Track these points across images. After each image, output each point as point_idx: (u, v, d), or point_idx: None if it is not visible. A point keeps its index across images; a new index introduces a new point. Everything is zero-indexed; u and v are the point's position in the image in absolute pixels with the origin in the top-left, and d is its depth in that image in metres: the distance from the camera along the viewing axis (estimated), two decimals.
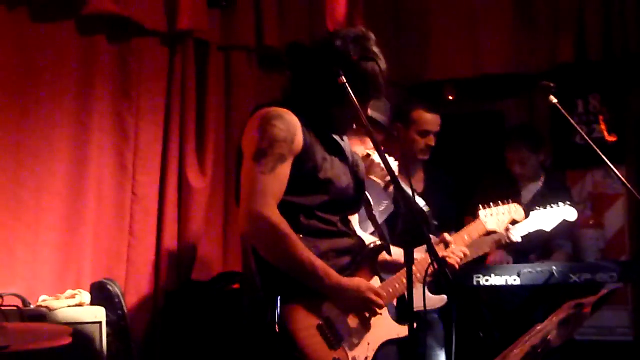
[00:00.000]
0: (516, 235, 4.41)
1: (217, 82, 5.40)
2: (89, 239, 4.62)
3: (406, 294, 3.11)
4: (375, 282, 3.44)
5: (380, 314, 3.33)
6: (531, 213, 4.68)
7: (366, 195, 3.66)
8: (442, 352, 5.14)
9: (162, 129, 5.05)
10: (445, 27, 7.07)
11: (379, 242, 3.54)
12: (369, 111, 3.95)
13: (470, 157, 7.24)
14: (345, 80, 3.13)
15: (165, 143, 5.06)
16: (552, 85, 4.22)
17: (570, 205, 4.79)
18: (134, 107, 4.88)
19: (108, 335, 4.31)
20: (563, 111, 4.19)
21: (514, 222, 4.35)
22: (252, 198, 3.11)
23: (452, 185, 5.68)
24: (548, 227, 4.72)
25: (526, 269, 5.20)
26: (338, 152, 3.41)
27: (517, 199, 4.82)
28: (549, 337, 2.06)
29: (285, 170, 3.18)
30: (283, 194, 3.17)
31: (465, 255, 3.81)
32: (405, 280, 3.47)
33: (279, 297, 3.08)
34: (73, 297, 4.11)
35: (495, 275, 5.22)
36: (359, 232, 3.64)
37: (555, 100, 4.21)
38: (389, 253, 3.61)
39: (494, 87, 7.09)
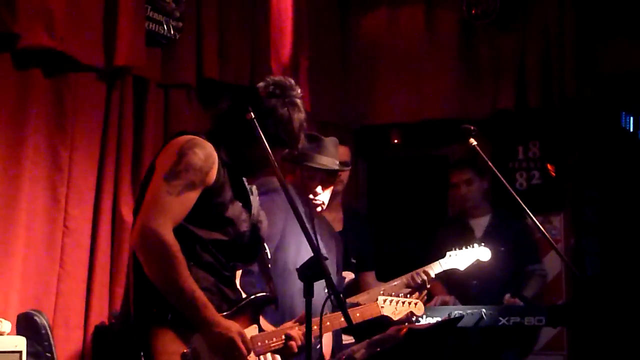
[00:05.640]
0: (426, 275, 4.56)
1: (155, 118, 5.46)
2: (17, 269, 4.62)
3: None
4: (253, 330, 3.43)
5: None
6: (447, 253, 4.81)
7: (263, 252, 3.67)
8: None
9: (97, 163, 5.08)
10: (391, 71, 7.20)
11: (266, 293, 3.54)
12: (322, 159, 4.16)
13: (414, 200, 7.35)
14: (253, 116, 3.20)
15: (100, 177, 5.08)
16: (472, 127, 4.32)
17: (484, 246, 4.91)
18: (69, 141, 4.91)
19: None
20: (482, 153, 4.30)
21: (412, 315, 4.41)
22: (150, 214, 3.12)
23: (369, 228, 5.75)
24: (462, 267, 4.85)
25: (456, 310, 5.28)
26: (244, 199, 3.44)
27: (473, 239, 4.97)
28: (355, 355, 2.14)
29: (191, 197, 3.21)
30: (182, 219, 3.19)
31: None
32: (283, 337, 3.49)
33: (148, 319, 3.11)
34: None
35: (427, 316, 5.27)
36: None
37: (474, 143, 4.30)
38: (277, 307, 3.63)
39: (438, 132, 7.20)
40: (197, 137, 3.32)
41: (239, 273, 3.62)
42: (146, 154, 5.32)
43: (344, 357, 2.24)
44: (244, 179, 3.49)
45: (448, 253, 4.79)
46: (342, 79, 7.29)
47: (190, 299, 3.12)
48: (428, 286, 4.61)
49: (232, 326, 3.23)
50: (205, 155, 3.25)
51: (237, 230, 3.36)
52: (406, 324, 4.23)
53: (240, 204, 3.40)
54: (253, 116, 3.20)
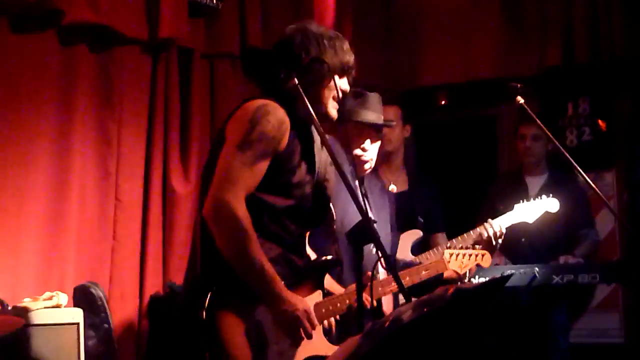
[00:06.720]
0: (497, 227, 4.50)
1: (201, 89, 5.49)
2: (71, 243, 4.72)
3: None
4: (318, 296, 3.40)
5: (308, 338, 3.25)
6: (515, 206, 4.74)
7: (330, 212, 3.63)
8: None
9: (146, 135, 5.15)
10: (436, 32, 7.14)
11: (330, 257, 3.52)
12: (368, 114, 4.11)
13: (462, 161, 7.31)
14: (297, 82, 3.18)
15: (149, 149, 5.16)
16: (518, 85, 4.26)
17: (552, 197, 4.85)
18: (117, 115, 4.98)
19: (90, 338, 4.40)
20: (529, 111, 4.24)
21: (478, 267, 4.40)
22: (224, 185, 3.10)
23: (436, 189, 5.68)
24: (531, 219, 4.76)
25: (509, 270, 5.25)
26: (309, 158, 3.38)
27: (526, 197, 4.93)
28: (403, 316, 2.12)
29: (264, 166, 3.18)
30: (254, 189, 3.18)
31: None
32: (348, 301, 3.47)
33: (215, 289, 3.09)
34: (50, 298, 4.19)
35: (479, 277, 5.25)
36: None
37: (521, 101, 4.25)
38: (342, 269, 3.63)
39: (485, 92, 7.14)
40: (269, 103, 3.25)
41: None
42: (193, 124, 5.38)
43: (391, 317, 2.23)
44: (314, 132, 3.39)
45: (516, 206, 4.71)
46: (387, 42, 7.24)
47: (260, 273, 3.10)
48: (500, 240, 4.54)
49: (299, 303, 3.20)
50: (278, 122, 3.21)
51: (301, 195, 3.32)
52: (459, 283, 4.21)
53: (306, 166, 3.34)
54: (297, 82, 3.18)
